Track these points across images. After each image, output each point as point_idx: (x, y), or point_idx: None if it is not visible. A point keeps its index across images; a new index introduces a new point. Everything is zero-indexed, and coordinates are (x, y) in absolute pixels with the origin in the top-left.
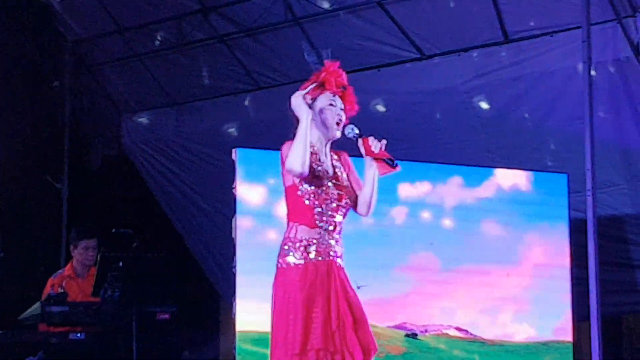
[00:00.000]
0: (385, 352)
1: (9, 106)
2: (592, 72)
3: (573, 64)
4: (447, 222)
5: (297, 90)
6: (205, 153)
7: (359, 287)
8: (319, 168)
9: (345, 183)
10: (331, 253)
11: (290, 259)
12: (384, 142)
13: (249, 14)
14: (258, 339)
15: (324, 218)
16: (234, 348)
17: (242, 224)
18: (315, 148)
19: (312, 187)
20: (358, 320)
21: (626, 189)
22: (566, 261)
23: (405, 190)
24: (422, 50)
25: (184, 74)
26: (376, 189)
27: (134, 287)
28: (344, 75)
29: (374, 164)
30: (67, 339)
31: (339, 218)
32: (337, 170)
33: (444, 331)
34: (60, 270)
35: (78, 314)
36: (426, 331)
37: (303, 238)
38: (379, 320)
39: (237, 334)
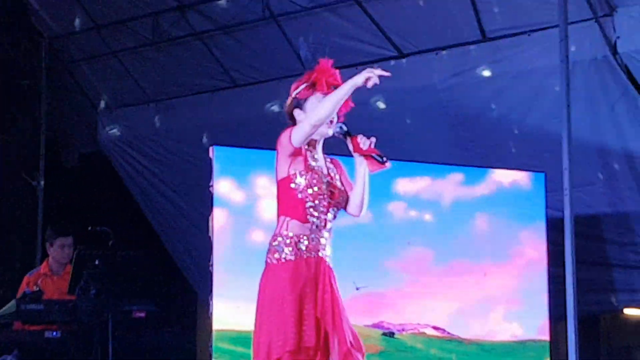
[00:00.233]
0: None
1: None
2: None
3: (550, 62)
4: (428, 220)
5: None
6: (183, 150)
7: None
8: (314, 164)
9: (338, 184)
10: (321, 250)
11: (281, 255)
12: (373, 139)
13: (226, 11)
14: (235, 338)
15: (316, 213)
16: (211, 347)
17: (219, 222)
18: (309, 146)
19: (306, 181)
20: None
21: (603, 188)
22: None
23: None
24: (399, 49)
25: (160, 71)
26: (367, 187)
27: (110, 285)
28: (337, 74)
29: (364, 161)
30: (42, 337)
31: (329, 216)
32: (330, 171)
33: (421, 330)
34: (36, 268)
35: (54, 312)
36: (403, 330)
37: (294, 234)
38: (356, 319)
39: (214, 333)
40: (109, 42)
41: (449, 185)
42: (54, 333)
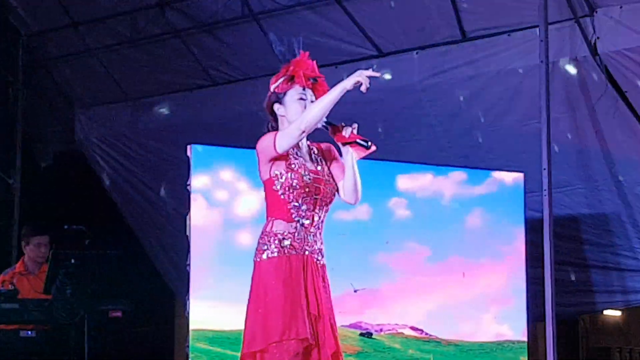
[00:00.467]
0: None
1: None
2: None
3: (530, 63)
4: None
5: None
6: (160, 149)
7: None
8: (296, 161)
9: (326, 176)
10: (307, 248)
11: (266, 253)
12: (355, 125)
13: (205, 9)
14: (212, 338)
15: (300, 212)
16: (187, 346)
17: (197, 221)
18: None
19: (288, 181)
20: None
21: (582, 189)
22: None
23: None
24: (379, 48)
25: (139, 69)
26: (358, 174)
27: (86, 284)
28: (315, 66)
29: (350, 149)
30: (17, 337)
31: (317, 212)
32: (317, 164)
33: (399, 330)
34: (11, 267)
35: (29, 311)
36: (381, 330)
37: (278, 232)
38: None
39: (191, 333)
40: (87, 40)
41: (445, 183)
42: (29, 332)
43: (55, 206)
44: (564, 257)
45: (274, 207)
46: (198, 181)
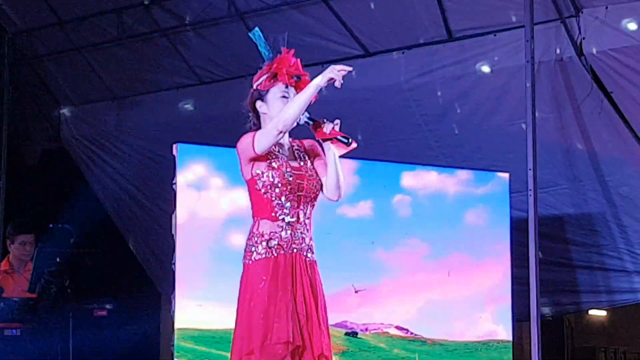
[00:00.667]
0: None
1: None
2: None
3: (516, 63)
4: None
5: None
6: (146, 148)
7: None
8: (277, 159)
9: (309, 172)
10: (295, 246)
11: (253, 255)
12: (337, 121)
13: (191, 8)
14: (197, 337)
15: (285, 210)
16: (172, 345)
17: (182, 220)
18: None
19: (269, 180)
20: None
21: (568, 189)
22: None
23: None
24: (366, 47)
25: (125, 68)
26: (340, 171)
27: (71, 283)
28: (299, 63)
29: (331, 145)
30: (2, 335)
31: (301, 209)
32: (298, 160)
33: (385, 330)
34: None
35: (14, 310)
36: (367, 330)
37: (264, 232)
38: None
39: (177, 332)
40: (73, 38)
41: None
42: (14, 331)
43: (41, 205)
44: (549, 257)
45: (258, 206)
46: (184, 180)
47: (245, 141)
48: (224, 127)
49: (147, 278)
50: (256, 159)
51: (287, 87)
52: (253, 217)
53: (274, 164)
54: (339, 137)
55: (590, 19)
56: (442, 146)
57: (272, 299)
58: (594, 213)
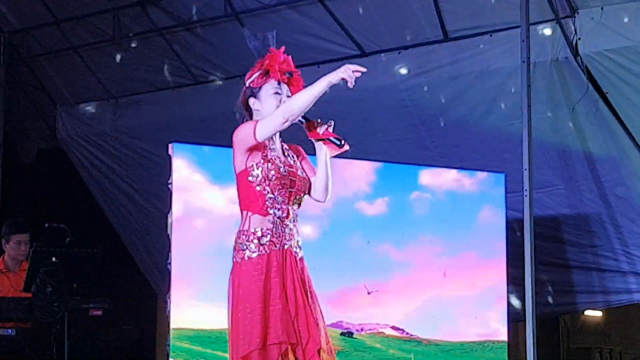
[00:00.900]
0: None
1: None
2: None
3: (512, 63)
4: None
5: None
6: (142, 147)
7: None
8: (272, 153)
9: (299, 171)
10: (285, 242)
11: (245, 253)
12: (331, 122)
13: (188, 7)
14: (193, 337)
15: (276, 205)
16: (168, 345)
17: (178, 220)
18: None
19: (263, 173)
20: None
21: (563, 189)
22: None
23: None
24: (362, 47)
25: (121, 67)
26: (330, 172)
27: (66, 282)
28: (290, 60)
29: (323, 146)
30: None
31: (292, 205)
32: (289, 158)
33: (380, 330)
34: None
35: (9, 310)
36: (362, 330)
37: (256, 229)
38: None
39: (172, 331)
40: (69, 37)
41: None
42: (9, 331)
43: (37, 204)
44: (545, 258)
45: (249, 199)
46: (179, 180)
47: (245, 129)
48: (220, 127)
49: (143, 277)
50: (252, 149)
51: (279, 83)
52: (242, 211)
53: (269, 157)
54: (331, 138)
55: (586, 19)
56: (437, 146)
57: (267, 299)
58: (589, 213)
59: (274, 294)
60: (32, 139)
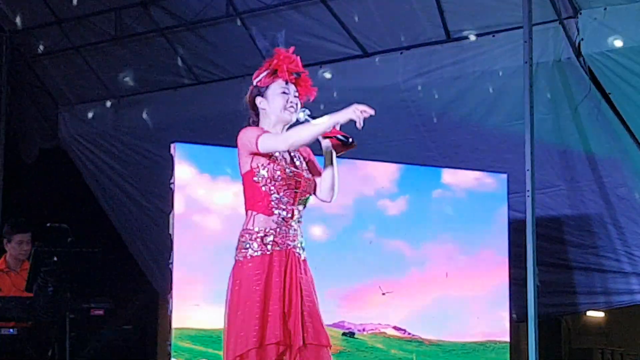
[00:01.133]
0: None
1: None
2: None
3: (514, 64)
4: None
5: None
6: (144, 147)
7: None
8: (277, 154)
9: (305, 172)
10: (289, 242)
11: (248, 252)
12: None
13: (190, 7)
14: (194, 336)
15: (281, 205)
16: (169, 345)
17: (180, 220)
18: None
19: (269, 173)
20: (311, 314)
21: (565, 190)
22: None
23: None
24: (364, 48)
25: (123, 67)
26: (336, 171)
27: (68, 282)
28: (298, 60)
29: (330, 144)
30: None
31: (297, 206)
32: (295, 159)
33: (382, 330)
34: None
35: (10, 309)
36: (364, 330)
37: (260, 229)
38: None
39: (174, 331)
40: (71, 37)
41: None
42: (10, 330)
43: (38, 204)
44: (547, 258)
45: (254, 200)
46: (182, 179)
47: (250, 136)
48: (222, 127)
49: (144, 277)
50: (256, 153)
51: (287, 83)
52: (246, 211)
53: (274, 158)
54: (339, 135)
55: (589, 20)
56: (439, 147)
57: (267, 299)
58: (591, 214)
59: (275, 294)
60: (33, 139)
